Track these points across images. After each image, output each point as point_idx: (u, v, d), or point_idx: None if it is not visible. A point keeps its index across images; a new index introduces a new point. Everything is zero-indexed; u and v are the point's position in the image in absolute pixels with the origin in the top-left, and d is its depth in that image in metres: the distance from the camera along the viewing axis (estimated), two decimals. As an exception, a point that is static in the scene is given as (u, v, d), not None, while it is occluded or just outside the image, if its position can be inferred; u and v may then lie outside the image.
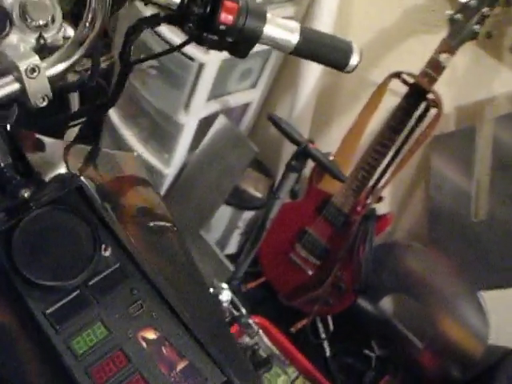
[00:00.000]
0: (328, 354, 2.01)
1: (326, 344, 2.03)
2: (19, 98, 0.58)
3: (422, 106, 1.59)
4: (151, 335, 0.74)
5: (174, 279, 0.79)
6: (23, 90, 0.57)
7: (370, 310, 2.06)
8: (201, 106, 1.87)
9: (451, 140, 1.73)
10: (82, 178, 0.78)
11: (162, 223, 0.84)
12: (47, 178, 0.78)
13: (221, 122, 1.94)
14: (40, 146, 0.81)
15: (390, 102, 1.66)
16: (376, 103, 1.68)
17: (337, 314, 2.01)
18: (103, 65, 2.23)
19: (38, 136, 0.82)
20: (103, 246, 0.76)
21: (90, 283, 0.73)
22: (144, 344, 0.73)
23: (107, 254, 0.76)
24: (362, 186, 1.70)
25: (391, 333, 2.01)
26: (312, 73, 1.85)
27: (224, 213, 2.07)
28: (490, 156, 1.63)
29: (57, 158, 0.82)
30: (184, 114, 1.87)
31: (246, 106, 2.14)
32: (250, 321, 1.51)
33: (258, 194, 2.09)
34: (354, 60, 0.76)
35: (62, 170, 0.81)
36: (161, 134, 2.00)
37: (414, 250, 1.91)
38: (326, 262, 1.87)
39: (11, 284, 0.69)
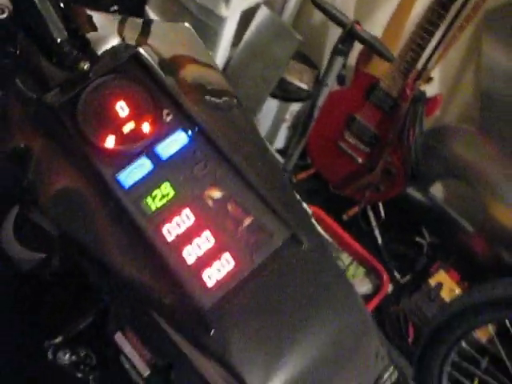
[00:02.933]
0: (380, 241, 2.05)
1: (377, 232, 2.06)
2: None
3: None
4: (216, 194, 0.76)
5: (237, 143, 0.79)
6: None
7: (421, 198, 2.06)
8: (242, -3, 1.82)
9: (504, 19, 1.64)
10: (138, 47, 0.79)
11: (227, 98, 0.83)
12: (103, 51, 0.79)
13: (263, 13, 1.89)
14: (93, 22, 0.81)
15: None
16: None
17: (388, 203, 2.02)
18: None
19: (89, 12, 0.82)
20: (165, 112, 0.77)
21: (155, 147, 0.75)
22: (210, 202, 0.75)
23: (169, 119, 0.78)
24: (411, 67, 1.66)
25: (442, 219, 2.02)
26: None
27: (271, 106, 2.06)
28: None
29: (111, 32, 0.82)
30: (225, 7, 1.83)
31: (288, -6, 2.07)
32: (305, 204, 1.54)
33: (304, 86, 2.06)
34: None
35: (117, 42, 0.81)
36: (203, 31, 1.96)
37: (464, 134, 1.88)
38: (376, 148, 1.86)
39: (80, 151, 0.72)
